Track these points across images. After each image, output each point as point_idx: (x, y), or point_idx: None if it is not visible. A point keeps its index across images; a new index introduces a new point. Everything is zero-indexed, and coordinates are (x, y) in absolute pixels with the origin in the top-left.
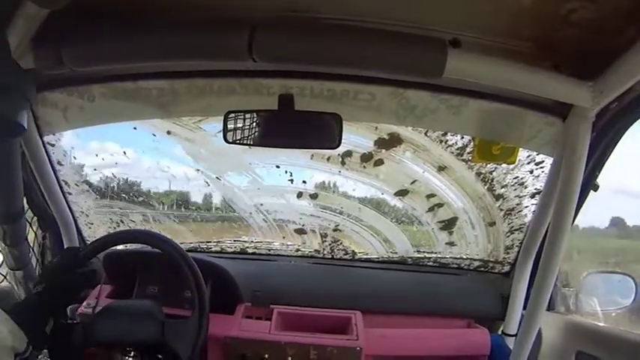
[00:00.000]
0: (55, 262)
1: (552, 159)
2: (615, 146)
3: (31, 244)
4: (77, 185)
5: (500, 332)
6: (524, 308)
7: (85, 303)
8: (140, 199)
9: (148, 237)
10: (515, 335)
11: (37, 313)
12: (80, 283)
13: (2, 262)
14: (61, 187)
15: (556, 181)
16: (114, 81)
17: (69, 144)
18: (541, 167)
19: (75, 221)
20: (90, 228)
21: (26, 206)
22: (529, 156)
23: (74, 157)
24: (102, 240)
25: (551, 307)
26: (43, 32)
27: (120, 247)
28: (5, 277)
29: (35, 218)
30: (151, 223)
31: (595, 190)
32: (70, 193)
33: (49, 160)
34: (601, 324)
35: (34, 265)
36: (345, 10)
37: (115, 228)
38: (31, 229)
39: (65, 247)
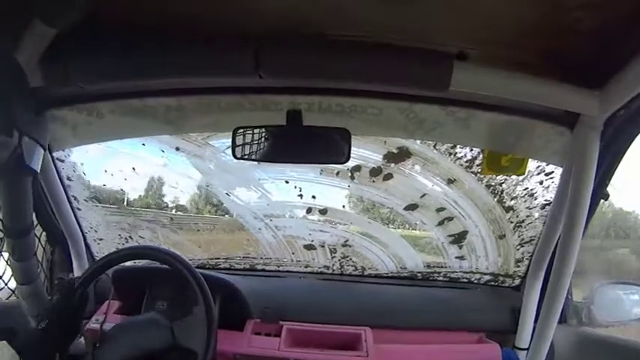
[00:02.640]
0: (55, 299)
1: (562, 169)
2: (625, 154)
3: (40, 259)
4: (86, 201)
5: (512, 346)
6: (536, 321)
7: (93, 319)
8: (149, 214)
9: (155, 253)
10: (527, 349)
11: (43, 349)
12: (82, 312)
13: (10, 277)
14: (70, 203)
15: (566, 191)
16: (122, 98)
17: (78, 160)
18: (551, 178)
19: (84, 236)
20: (99, 244)
21: (35, 221)
22: (539, 167)
23: (84, 173)
24: (106, 258)
25: (563, 320)
26: (52, 50)
27: (128, 262)
28: (13, 292)
29: (44, 233)
30: (160, 239)
31: (605, 199)
32: (79, 209)
33: (59, 175)
34: (615, 336)
35: (43, 280)
36: (351, 25)
37: (124, 244)
38: (39, 244)
39: (73, 262)
